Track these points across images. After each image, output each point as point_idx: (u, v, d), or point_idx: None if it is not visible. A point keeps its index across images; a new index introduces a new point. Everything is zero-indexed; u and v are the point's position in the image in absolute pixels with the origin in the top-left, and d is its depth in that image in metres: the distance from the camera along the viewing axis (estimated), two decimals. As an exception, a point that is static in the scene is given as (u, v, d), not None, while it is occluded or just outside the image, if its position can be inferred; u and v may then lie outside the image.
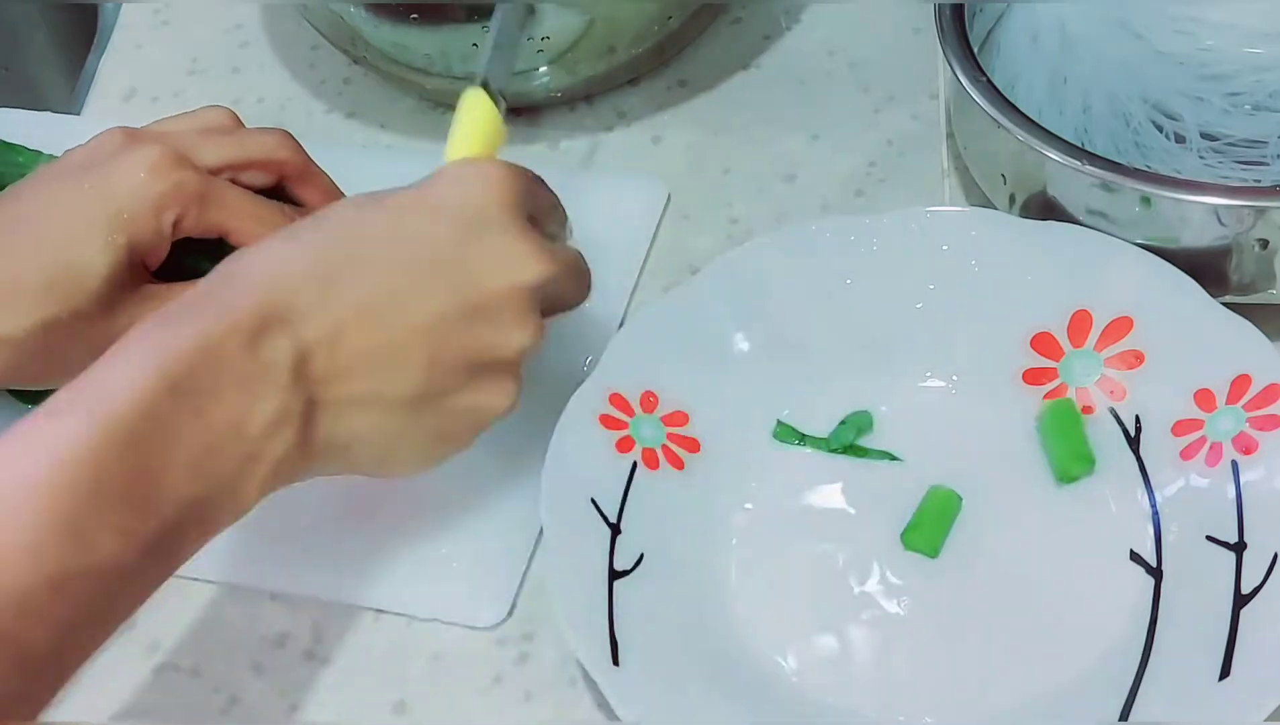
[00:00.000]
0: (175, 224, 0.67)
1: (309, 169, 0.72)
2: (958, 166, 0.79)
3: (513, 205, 0.63)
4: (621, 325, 0.75)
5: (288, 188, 0.72)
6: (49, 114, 0.90)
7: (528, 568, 0.68)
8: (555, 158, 0.84)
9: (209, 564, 0.69)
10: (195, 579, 0.70)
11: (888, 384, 0.71)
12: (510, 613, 0.68)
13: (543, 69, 0.80)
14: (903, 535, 0.67)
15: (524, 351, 0.62)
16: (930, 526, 0.67)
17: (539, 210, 0.65)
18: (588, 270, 0.67)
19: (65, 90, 1.00)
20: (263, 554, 0.70)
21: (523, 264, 0.62)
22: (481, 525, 0.70)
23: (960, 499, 0.67)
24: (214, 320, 0.57)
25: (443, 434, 0.63)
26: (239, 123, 0.72)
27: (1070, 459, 0.68)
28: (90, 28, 0.98)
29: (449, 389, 0.61)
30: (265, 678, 0.68)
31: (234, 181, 0.69)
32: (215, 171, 0.69)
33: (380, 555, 0.70)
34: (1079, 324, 0.69)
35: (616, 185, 0.81)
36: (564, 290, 0.65)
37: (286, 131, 0.72)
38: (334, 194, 0.73)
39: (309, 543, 0.70)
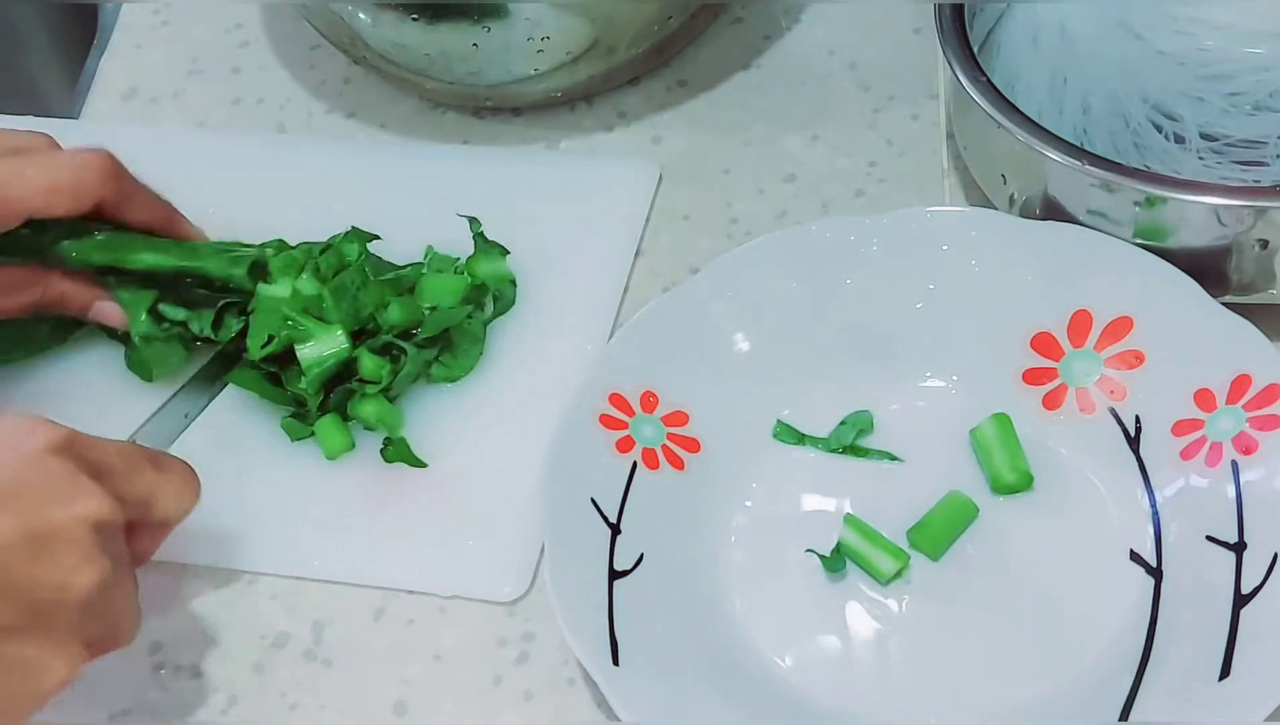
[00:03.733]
0: None
1: (128, 194, 0.71)
2: (958, 166, 0.79)
3: (60, 448, 0.59)
4: (619, 314, 0.76)
5: (109, 213, 0.72)
6: (48, 119, 0.89)
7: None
8: (555, 158, 0.84)
9: (225, 553, 0.70)
10: (208, 566, 0.70)
11: (888, 384, 0.71)
12: (530, 586, 0.68)
13: (543, 69, 0.80)
14: (909, 533, 0.67)
15: (90, 594, 0.57)
16: (939, 529, 0.67)
17: (99, 462, 0.61)
18: (195, 478, 0.65)
19: (65, 91, 1.00)
20: (272, 545, 0.70)
21: (86, 496, 0.58)
22: (493, 508, 0.70)
23: (978, 510, 0.67)
24: None
25: None
26: (55, 146, 0.71)
27: (1006, 470, 0.68)
28: (90, 28, 0.97)
29: (3, 627, 0.56)
30: (265, 678, 0.68)
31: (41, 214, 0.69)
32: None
33: (393, 541, 0.70)
34: (1079, 324, 0.69)
35: (609, 169, 0.81)
36: (165, 502, 0.63)
37: (106, 155, 0.71)
38: (160, 209, 0.73)
39: (320, 531, 0.70)
